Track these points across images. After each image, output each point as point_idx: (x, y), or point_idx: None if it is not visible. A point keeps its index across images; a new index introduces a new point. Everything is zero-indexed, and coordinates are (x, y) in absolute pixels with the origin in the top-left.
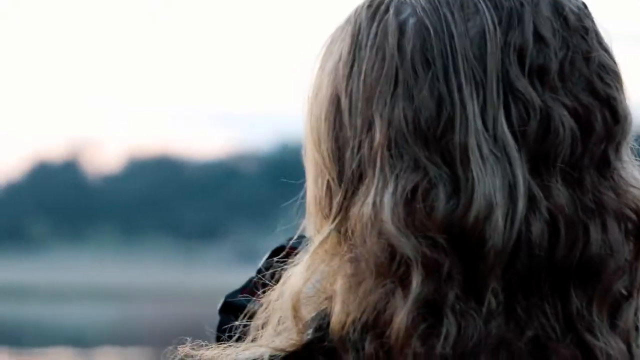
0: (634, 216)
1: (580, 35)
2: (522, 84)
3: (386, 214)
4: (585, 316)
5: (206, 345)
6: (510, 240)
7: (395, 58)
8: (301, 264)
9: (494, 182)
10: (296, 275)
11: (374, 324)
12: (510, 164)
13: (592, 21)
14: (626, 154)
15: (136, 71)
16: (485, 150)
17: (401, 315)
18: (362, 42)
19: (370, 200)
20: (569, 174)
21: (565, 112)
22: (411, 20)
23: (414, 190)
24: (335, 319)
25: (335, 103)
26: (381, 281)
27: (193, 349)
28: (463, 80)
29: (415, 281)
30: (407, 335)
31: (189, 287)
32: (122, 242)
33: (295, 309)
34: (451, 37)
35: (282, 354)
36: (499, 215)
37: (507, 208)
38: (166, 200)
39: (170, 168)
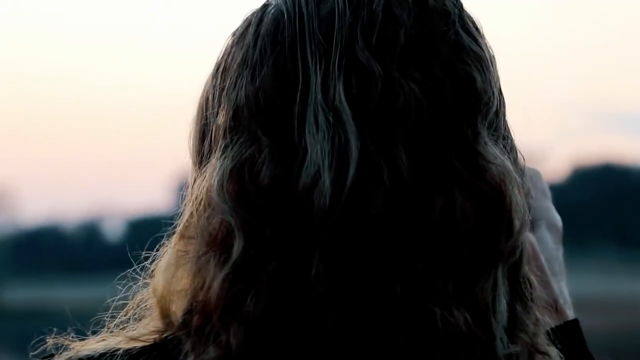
0: (491, 192)
1: (439, 17)
2: (365, 56)
3: (215, 186)
4: (430, 284)
5: (72, 338)
6: (339, 204)
7: (250, 45)
8: (165, 255)
9: (323, 148)
10: (158, 267)
11: (195, 294)
12: (345, 130)
13: (460, 10)
14: (488, 133)
15: None
16: (321, 119)
17: (218, 279)
18: (234, 41)
19: (206, 176)
20: (413, 144)
21: (412, 84)
22: (271, 10)
23: (244, 162)
24: (158, 294)
25: (203, 104)
26: (205, 252)
27: (58, 340)
28: (309, 56)
29: (236, 247)
30: (221, 297)
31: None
32: (567, 251)
33: (160, 302)
34: (301, 17)
35: (140, 344)
36: (326, 179)
37: (337, 173)
38: (611, 209)
39: (614, 176)
